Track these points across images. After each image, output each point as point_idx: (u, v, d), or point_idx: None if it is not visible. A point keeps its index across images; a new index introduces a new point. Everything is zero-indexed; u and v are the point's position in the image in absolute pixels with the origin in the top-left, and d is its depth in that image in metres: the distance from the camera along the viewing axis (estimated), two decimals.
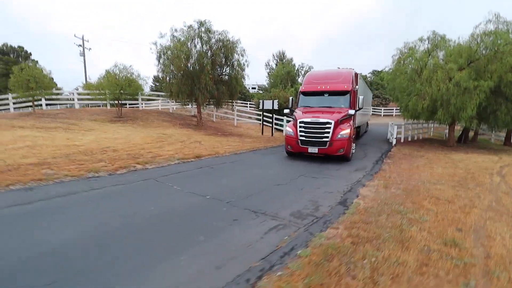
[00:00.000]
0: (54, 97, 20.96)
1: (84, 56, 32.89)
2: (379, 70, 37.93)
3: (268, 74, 40.72)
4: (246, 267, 2.73)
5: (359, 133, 15.14)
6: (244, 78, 18.44)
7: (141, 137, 11.54)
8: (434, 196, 5.24)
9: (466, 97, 12.06)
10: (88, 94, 20.47)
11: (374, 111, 35.88)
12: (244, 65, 17.64)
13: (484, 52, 13.09)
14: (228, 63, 17.48)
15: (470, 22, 52.75)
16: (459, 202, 4.94)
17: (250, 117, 24.39)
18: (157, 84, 36.37)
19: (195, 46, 16.48)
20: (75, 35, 39.03)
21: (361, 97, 9.61)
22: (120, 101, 18.34)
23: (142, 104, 23.97)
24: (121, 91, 17.55)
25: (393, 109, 35.26)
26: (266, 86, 40.29)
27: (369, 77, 43.09)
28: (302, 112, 9.45)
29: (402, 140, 16.07)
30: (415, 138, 18.28)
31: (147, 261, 2.80)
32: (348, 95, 9.76)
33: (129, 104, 24.77)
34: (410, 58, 14.09)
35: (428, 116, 13.83)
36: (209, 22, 16.47)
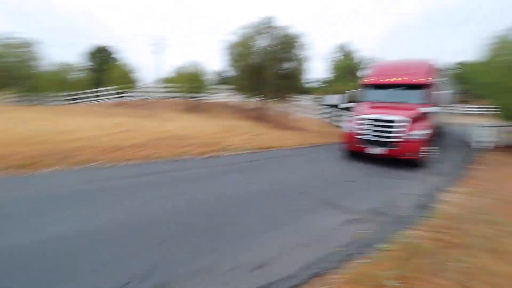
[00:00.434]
0: (135, 90, 24.37)
1: (157, 54, 36.89)
2: (463, 61, 32.89)
3: (330, 66, 39.17)
4: (331, 250, 3.01)
5: (437, 134, 13.60)
6: (305, 72, 18.41)
7: (212, 127, 12.68)
8: None
9: None
10: (163, 88, 23.16)
11: (454, 109, 31.49)
12: (305, 59, 17.61)
13: None
14: (290, 57, 17.64)
15: None
16: None
17: (310, 112, 24.14)
18: (222, 77, 38.37)
19: (260, 41, 17.09)
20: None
21: (440, 92, 8.47)
22: (190, 94, 20.32)
23: (208, 96, 26.02)
24: (192, 85, 19.43)
25: (477, 107, 30.40)
26: (324, 79, 38.95)
27: (449, 68, 37.69)
28: (367, 107, 8.80)
29: (493, 145, 13.90)
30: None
31: (245, 232, 3.33)
32: (424, 89, 8.74)
33: (196, 97, 27.22)
34: None
35: None
36: (273, 19, 16.84)
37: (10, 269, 2.47)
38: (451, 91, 21.97)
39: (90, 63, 36.34)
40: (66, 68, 31.79)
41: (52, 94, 25.58)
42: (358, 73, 32.45)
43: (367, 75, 10.37)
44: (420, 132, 7.73)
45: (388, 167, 7.71)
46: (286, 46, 16.92)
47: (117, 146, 7.76)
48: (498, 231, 3.68)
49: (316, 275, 2.63)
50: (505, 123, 14.16)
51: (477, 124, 14.42)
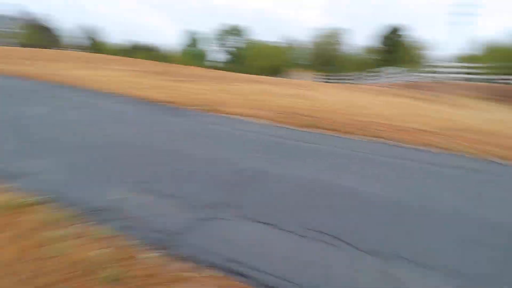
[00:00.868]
0: (426, 70, 21.98)
1: (460, 26, 29.73)
2: None
3: None
4: None
5: None
6: None
7: None
8: None
9: None
10: (461, 67, 18.83)
11: None
12: None
13: None
14: None
15: None
16: None
17: None
18: None
19: None
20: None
21: None
22: (501, 76, 14.86)
23: None
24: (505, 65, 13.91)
25: None
26: None
27: None
28: None
29: None
30: None
31: None
32: None
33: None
34: None
35: None
36: None
37: None
38: None
39: (382, 44, 37.94)
40: (361, 51, 36.11)
41: (349, 74, 30.43)
42: None
43: None
44: None
45: None
46: None
47: (403, 127, 7.62)
48: None
49: None
50: None
51: None
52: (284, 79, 30.49)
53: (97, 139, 4.72)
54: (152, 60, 37.40)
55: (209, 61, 51.36)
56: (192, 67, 33.22)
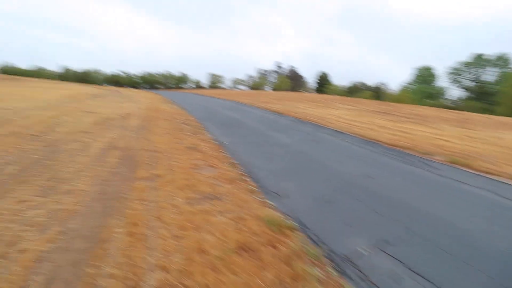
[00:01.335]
0: None
1: None
2: None
3: None
4: None
5: None
6: None
7: None
8: None
9: None
10: None
11: None
12: None
13: None
14: None
15: None
16: None
17: None
18: None
19: None
20: None
21: None
22: None
23: None
24: None
25: None
26: None
27: None
28: None
29: None
30: None
31: None
32: None
33: None
34: None
35: None
36: None
37: None
38: None
39: None
40: None
41: None
42: None
43: None
44: None
45: None
46: None
47: None
48: None
49: None
50: None
51: None
52: None
53: (337, 175, 4.93)
54: (376, 99, 37.56)
55: (443, 99, 43.13)
56: (422, 106, 29.42)
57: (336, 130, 9.84)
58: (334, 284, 2.15)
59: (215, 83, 68.73)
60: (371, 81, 74.07)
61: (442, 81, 47.12)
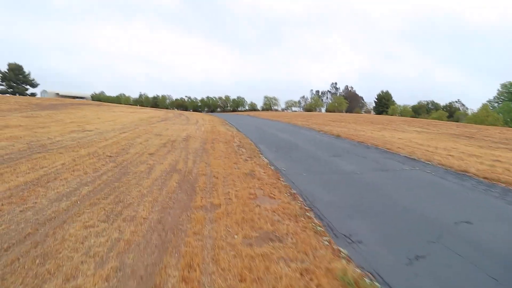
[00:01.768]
0: None
1: None
2: None
3: None
4: None
5: None
6: None
7: None
8: None
9: None
10: None
11: None
12: None
13: None
14: None
15: None
16: None
17: None
18: None
19: None
20: None
21: None
22: None
23: None
24: None
25: None
26: None
27: None
28: None
29: None
30: None
31: None
32: None
33: None
34: None
35: None
36: None
37: None
38: None
39: None
40: None
41: None
42: None
43: None
44: None
45: None
46: None
47: None
48: None
49: None
50: None
51: None
52: None
53: (423, 219, 4.01)
54: (450, 120, 32.95)
55: None
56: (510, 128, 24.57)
57: (409, 157, 8.51)
58: None
59: (269, 105, 70.32)
60: (440, 100, 65.81)
61: None
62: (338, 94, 74.95)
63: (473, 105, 50.06)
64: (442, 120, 35.86)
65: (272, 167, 6.74)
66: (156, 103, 65.72)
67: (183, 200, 4.12)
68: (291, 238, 3.10)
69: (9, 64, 53.21)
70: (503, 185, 5.77)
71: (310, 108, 68.76)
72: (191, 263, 2.48)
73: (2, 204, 3.54)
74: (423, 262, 2.83)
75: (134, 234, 2.97)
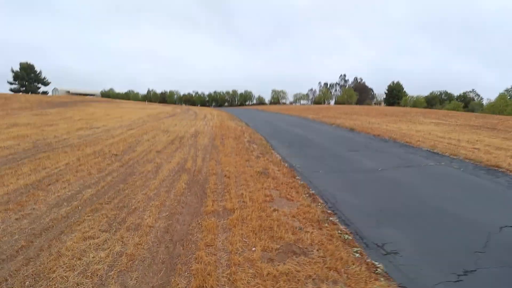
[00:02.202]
0: None
1: None
2: None
3: None
4: None
5: None
6: None
7: None
8: None
9: None
10: None
11: None
12: None
13: None
14: None
15: None
16: None
17: None
18: None
19: None
20: None
21: None
22: None
23: None
24: None
25: None
26: None
27: None
28: None
29: None
30: None
31: None
32: None
33: None
34: None
35: None
36: None
37: None
38: None
39: None
40: None
41: None
42: None
43: None
44: None
45: None
46: None
47: None
48: None
49: None
50: None
51: None
52: None
53: (464, 223, 3.54)
54: (465, 110, 31.59)
55: None
56: None
57: (432, 152, 7.92)
58: None
59: (277, 98, 69.34)
60: (454, 90, 63.33)
61: None
62: (348, 86, 73.22)
63: (487, 94, 47.94)
64: (458, 111, 34.37)
65: (286, 164, 6.31)
66: (164, 98, 65.78)
67: (192, 204, 3.76)
68: (317, 250, 2.68)
69: (21, 64, 54.04)
70: None
71: (319, 100, 67.46)
72: (204, 285, 2.11)
73: None
74: (474, 279, 2.38)
75: (138, 247, 2.61)
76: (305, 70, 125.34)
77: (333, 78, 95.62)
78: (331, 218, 3.50)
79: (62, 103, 24.95)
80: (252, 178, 5.00)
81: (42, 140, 7.67)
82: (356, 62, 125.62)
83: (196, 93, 70.75)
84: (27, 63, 54.46)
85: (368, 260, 2.61)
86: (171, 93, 69.63)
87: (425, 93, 60.53)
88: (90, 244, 2.63)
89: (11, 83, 53.92)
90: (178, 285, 2.12)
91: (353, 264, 2.50)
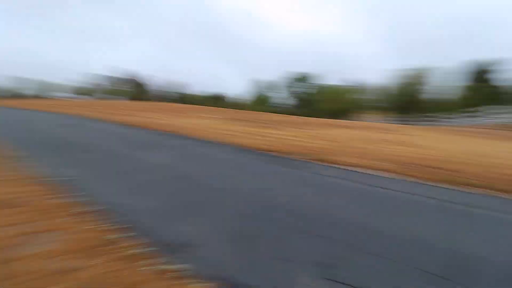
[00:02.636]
0: None
1: None
2: None
3: None
4: None
5: None
6: None
7: None
8: None
9: None
10: None
11: None
12: None
13: None
14: None
15: None
16: None
17: None
18: None
19: None
20: None
21: None
22: None
23: None
24: None
25: None
26: None
27: None
28: None
29: None
30: None
31: None
32: None
33: None
34: None
35: None
36: None
37: None
38: None
39: (473, 81, 33.47)
40: (444, 89, 32.30)
41: (433, 115, 27.16)
42: None
43: None
44: None
45: None
46: None
47: None
48: None
49: None
50: None
51: None
52: (361, 122, 28.75)
53: (234, 195, 4.16)
54: (226, 107, 40.39)
55: (277, 106, 52.78)
56: (266, 113, 34.49)
57: (206, 140, 9.26)
58: None
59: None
60: (221, 91, 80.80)
61: (279, 90, 57.98)
62: (121, 80, 68.89)
63: (236, 95, 66.69)
64: (226, 108, 43.24)
65: (53, 180, 4.53)
66: None
67: None
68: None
69: None
70: (268, 152, 7.73)
71: (83, 93, 58.25)
72: None
73: None
74: (254, 243, 2.87)
75: None
76: (69, 59, 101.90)
77: (106, 71, 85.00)
78: (123, 233, 2.84)
79: None
80: None
81: None
82: (134, 58, 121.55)
83: None
84: None
85: (173, 267, 2.34)
86: None
87: (205, 92, 71.13)
88: None
89: None
90: None
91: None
